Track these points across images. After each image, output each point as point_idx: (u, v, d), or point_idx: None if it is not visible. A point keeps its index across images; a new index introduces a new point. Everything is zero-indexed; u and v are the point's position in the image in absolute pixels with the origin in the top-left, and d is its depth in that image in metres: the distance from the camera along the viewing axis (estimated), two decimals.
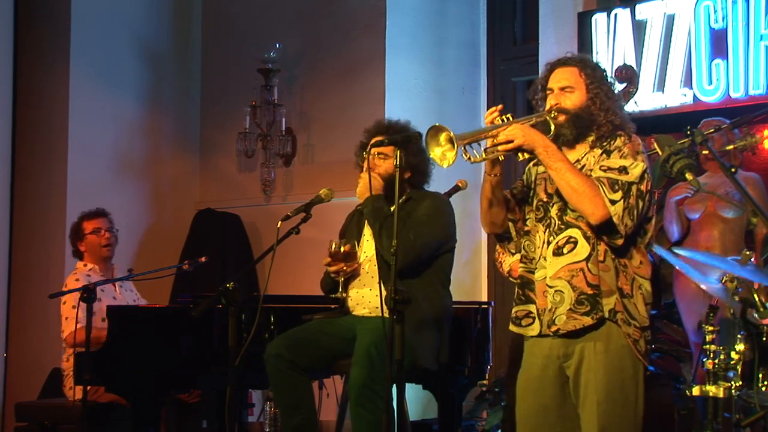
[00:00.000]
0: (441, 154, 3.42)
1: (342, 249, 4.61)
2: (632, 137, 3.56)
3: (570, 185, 3.42)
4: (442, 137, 3.41)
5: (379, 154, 4.68)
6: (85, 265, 5.80)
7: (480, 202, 3.67)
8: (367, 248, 4.73)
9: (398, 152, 3.77)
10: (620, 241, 3.44)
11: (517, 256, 4.40)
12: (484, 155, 3.50)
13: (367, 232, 4.72)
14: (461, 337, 5.08)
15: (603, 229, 3.43)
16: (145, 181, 7.62)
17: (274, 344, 4.55)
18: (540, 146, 3.46)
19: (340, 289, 4.69)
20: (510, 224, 3.69)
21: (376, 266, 4.49)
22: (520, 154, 3.51)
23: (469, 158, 3.48)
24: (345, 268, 4.63)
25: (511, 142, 3.44)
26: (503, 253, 4.75)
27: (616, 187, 3.42)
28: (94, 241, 5.81)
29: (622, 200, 3.40)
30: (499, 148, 3.46)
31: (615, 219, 3.40)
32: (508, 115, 3.53)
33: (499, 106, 3.59)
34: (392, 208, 4.21)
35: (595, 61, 3.75)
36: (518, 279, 3.68)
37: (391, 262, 3.77)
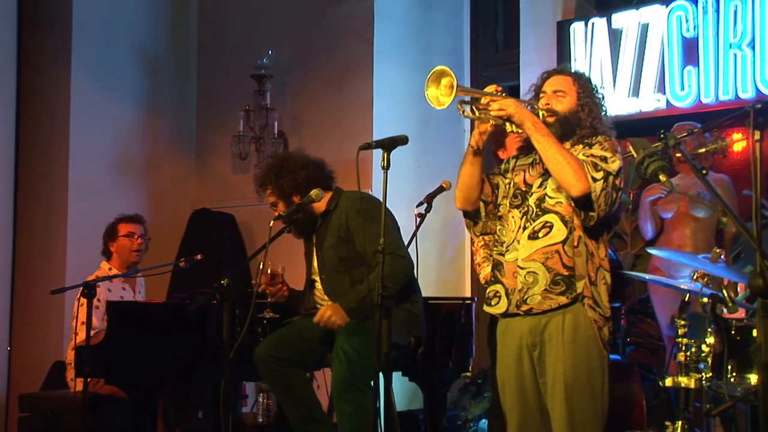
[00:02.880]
0: (435, 96, 3.46)
1: (269, 270, 4.59)
2: (612, 137, 3.59)
3: (555, 157, 3.44)
4: (444, 81, 3.44)
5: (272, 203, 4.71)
6: (110, 269, 5.76)
7: (458, 176, 3.68)
8: (315, 268, 4.71)
9: (386, 155, 3.76)
10: (593, 221, 3.46)
11: None
12: (477, 113, 3.52)
13: (314, 252, 4.69)
14: (447, 332, 5.09)
15: (581, 203, 3.45)
16: (143, 181, 7.60)
17: (262, 346, 4.54)
18: (529, 121, 3.49)
19: (267, 309, 4.66)
20: (481, 204, 3.69)
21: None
22: (508, 125, 3.53)
23: (463, 112, 3.53)
24: (269, 289, 4.62)
25: (504, 110, 3.47)
26: (483, 262, 4.73)
27: (598, 168, 3.45)
28: (126, 244, 5.78)
29: (602, 180, 3.43)
30: (492, 113, 3.49)
31: (593, 195, 3.42)
32: (504, 93, 3.57)
33: (500, 87, 3.61)
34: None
35: (588, 76, 3.81)
36: (492, 261, 3.68)
37: (377, 262, 3.77)
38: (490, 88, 3.58)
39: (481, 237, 4.62)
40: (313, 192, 4.48)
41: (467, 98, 3.55)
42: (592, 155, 3.49)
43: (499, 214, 3.68)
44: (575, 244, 3.49)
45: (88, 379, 4.92)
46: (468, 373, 5.87)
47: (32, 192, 7.17)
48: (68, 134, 7.08)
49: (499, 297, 3.59)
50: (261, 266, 4.58)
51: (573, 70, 3.78)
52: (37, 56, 7.23)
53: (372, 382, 4.18)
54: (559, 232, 3.49)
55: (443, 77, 3.44)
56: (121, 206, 6.31)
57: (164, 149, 7.79)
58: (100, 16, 7.29)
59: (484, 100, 3.52)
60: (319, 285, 4.66)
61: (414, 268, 4.50)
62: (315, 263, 4.67)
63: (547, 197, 3.54)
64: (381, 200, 4.54)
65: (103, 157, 7.31)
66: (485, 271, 4.68)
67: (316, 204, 4.59)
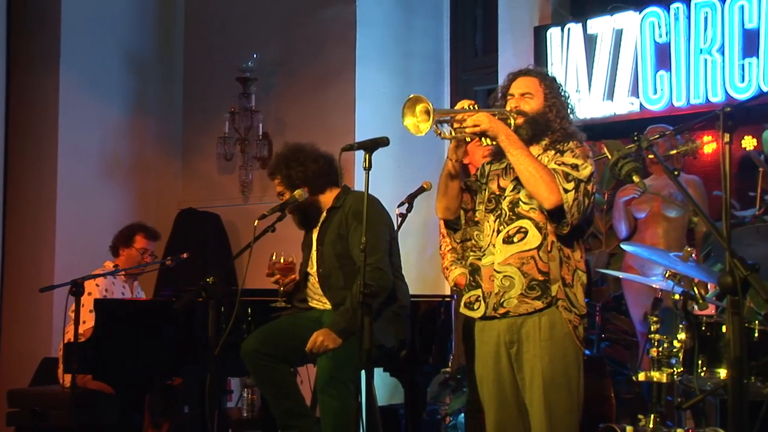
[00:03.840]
0: (414, 124, 3.44)
1: (282, 260, 4.59)
2: (583, 143, 3.60)
3: (528, 170, 3.44)
4: (419, 108, 3.43)
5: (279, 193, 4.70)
6: (116, 266, 5.76)
7: (438, 187, 3.69)
8: (314, 261, 4.68)
9: (367, 156, 3.78)
10: (566, 230, 3.47)
11: (462, 269, 4.45)
12: (453, 133, 3.53)
13: (315, 245, 4.69)
14: (427, 328, 5.09)
15: (553, 215, 3.46)
16: (130, 181, 7.58)
17: (249, 341, 4.51)
18: (503, 134, 3.49)
19: (280, 298, 4.66)
20: (462, 212, 3.70)
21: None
22: (484, 139, 3.54)
23: (440, 134, 3.52)
24: (282, 279, 4.62)
25: (478, 126, 3.48)
26: (451, 265, 4.74)
27: (570, 179, 3.45)
28: (136, 257, 5.82)
29: (573, 191, 3.44)
30: (467, 130, 3.49)
31: (566, 206, 3.43)
32: (476, 105, 3.57)
33: (471, 101, 3.62)
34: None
35: (552, 74, 3.80)
36: (469, 266, 3.69)
37: (359, 262, 3.78)
38: (463, 104, 3.59)
39: (449, 241, 4.64)
40: (297, 192, 4.48)
41: (444, 118, 3.55)
42: (564, 163, 3.49)
43: (476, 219, 3.69)
44: (549, 249, 3.50)
45: (77, 375, 4.92)
46: (447, 369, 5.87)
47: (21, 191, 7.14)
48: (57, 135, 7.06)
49: (480, 302, 3.60)
50: (273, 256, 4.58)
51: (538, 71, 3.75)
52: (26, 58, 7.20)
53: (355, 379, 4.18)
54: (534, 238, 3.50)
55: (417, 104, 3.43)
56: (109, 206, 6.30)
57: (151, 150, 7.77)
58: (88, 19, 7.27)
59: (458, 118, 3.52)
60: (312, 279, 4.66)
61: (392, 284, 4.49)
62: (313, 256, 4.67)
63: (521, 202, 3.54)
64: (381, 205, 4.60)
65: (91, 157, 7.29)
66: (453, 274, 4.69)
67: (323, 198, 4.61)
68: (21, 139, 7.15)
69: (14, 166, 7.13)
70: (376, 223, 4.47)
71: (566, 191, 3.43)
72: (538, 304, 3.48)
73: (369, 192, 3.69)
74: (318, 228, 4.65)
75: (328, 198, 4.62)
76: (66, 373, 5.28)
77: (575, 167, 3.48)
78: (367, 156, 3.77)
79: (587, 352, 4.30)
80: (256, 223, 4.20)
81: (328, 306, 4.59)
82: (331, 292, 4.55)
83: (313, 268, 4.66)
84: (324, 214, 4.63)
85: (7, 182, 7.08)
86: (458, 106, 3.59)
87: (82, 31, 7.22)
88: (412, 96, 3.46)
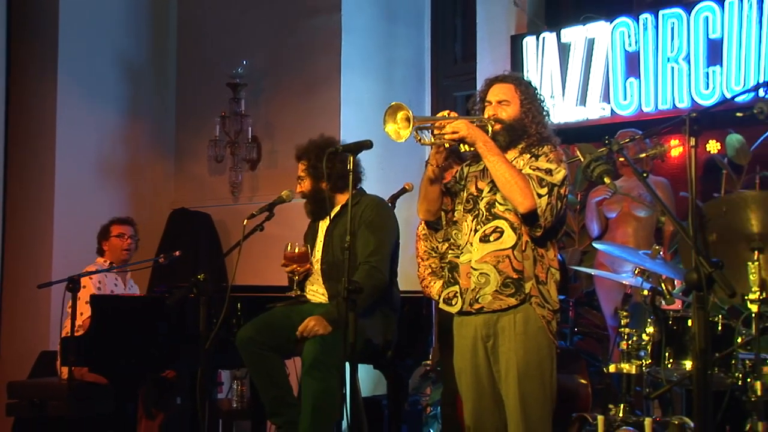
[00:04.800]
0: (395, 131, 3.43)
1: (296, 251, 4.59)
2: (557, 147, 3.60)
3: (504, 176, 3.45)
4: (400, 116, 3.42)
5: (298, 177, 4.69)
6: (105, 261, 5.76)
7: (419, 190, 3.69)
8: (317, 251, 4.70)
9: (351, 158, 3.77)
10: (539, 232, 3.48)
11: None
12: (433, 139, 3.53)
13: (320, 236, 4.70)
14: (409, 323, 5.09)
15: (528, 219, 3.47)
16: (125, 182, 7.55)
17: (245, 329, 4.51)
18: (480, 140, 3.49)
19: (295, 287, 4.67)
20: (442, 214, 3.70)
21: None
22: (462, 146, 3.55)
23: (420, 140, 3.52)
24: (298, 268, 4.61)
25: (457, 133, 3.47)
26: (429, 277, 4.71)
27: (543, 184, 3.46)
28: (117, 244, 5.80)
29: (547, 196, 3.44)
30: (446, 136, 3.49)
31: (539, 211, 3.44)
32: (454, 114, 3.58)
33: (451, 112, 3.62)
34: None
35: (528, 79, 3.80)
36: (447, 264, 3.69)
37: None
38: (443, 113, 3.59)
39: (429, 243, 4.63)
40: (284, 192, 4.48)
41: (424, 126, 3.55)
42: (538, 168, 3.49)
43: (454, 219, 3.69)
44: (524, 248, 3.50)
45: (74, 368, 4.89)
46: (428, 362, 5.88)
47: (20, 192, 7.11)
48: (54, 138, 7.03)
49: (457, 297, 3.61)
50: (288, 247, 4.56)
51: (515, 77, 3.74)
52: (26, 65, 7.17)
53: (340, 366, 4.16)
54: (509, 238, 3.51)
55: (398, 111, 3.43)
56: (105, 206, 6.29)
57: (145, 153, 7.75)
58: (85, 28, 7.24)
59: (438, 125, 3.52)
60: (313, 269, 4.65)
61: (386, 285, 4.49)
62: (318, 247, 4.67)
63: (497, 203, 3.55)
64: (392, 212, 4.59)
65: (88, 159, 7.26)
66: (435, 288, 4.64)
67: (339, 197, 4.62)
68: (20, 142, 7.12)
69: (14, 167, 7.10)
70: (383, 228, 4.53)
71: (540, 196, 3.44)
72: (512, 301, 3.48)
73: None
74: (329, 220, 4.63)
75: (344, 197, 4.59)
76: (63, 365, 5.25)
77: (549, 172, 3.48)
78: (352, 158, 3.77)
79: (561, 344, 4.31)
80: (245, 223, 4.19)
81: (324, 299, 4.60)
82: (330, 284, 4.55)
83: (316, 258, 4.65)
84: (337, 208, 4.61)
85: (6, 183, 7.06)
86: (438, 114, 3.60)
87: (79, 39, 7.19)
88: (393, 104, 3.45)
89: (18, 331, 6.93)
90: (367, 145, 3.82)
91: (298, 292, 4.68)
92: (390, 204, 4.98)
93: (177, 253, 5.52)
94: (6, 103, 7.05)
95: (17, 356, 6.77)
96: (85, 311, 5.35)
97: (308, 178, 4.66)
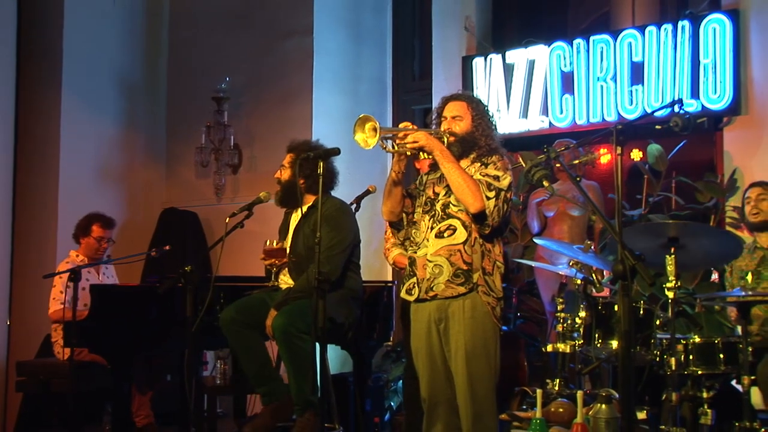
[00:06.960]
0: (363, 139, 3.45)
1: (275, 245, 4.56)
2: (504, 157, 3.62)
3: (458, 180, 3.47)
4: (368, 126, 3.44)
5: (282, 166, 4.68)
6: (77, 256, 5.67)
7: (383, 193, 3.69)
8: (287, 244, 4.67)
9: (321, 163, 3.76)
10: (488, 230, 3.50)
11: (400, 250, 4.45)
12: (396, 148, 3.54)
13: (291, 231, 4.67)
14: (372, 309, 5.08)
15: (477, 218, 3.49)
16: (121, 185, 7.48)
17: (227, 311, 4.49)
18: (437, 149, 3.52)
19: (273, 278, 4.65)
20: (404, 215, 3.72)
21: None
22: (422, 153, 3.57)
23: (385, 148, 3.54)
24: (276, 261, 4.59)
25: (417, 142, 3.49)
26: (391, 247, 4.73)
27: (492, 188, 3.48)
28: (94, 245, 5.69)
29: (494, 199, 3.47)
30: (408, 145, 3.51)
31: (488, 212, 3.46)
32: (415, 126, 3.58)
33: (411, 124, 3.62)
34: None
35: (478, 97, 3.81)
36: (408, 260, 3.69)
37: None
38: (405, 125, 3.60)
39: (393, 234, 4.64)
40: (262, 194, 4.46)
41: (388, 135, 3.56)
42: (487, 175, 3.51)
43: (414, 220, 3.70)
44: (473, 244, 3.53)
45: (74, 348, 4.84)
46: (389, 342, 5.88)
47: (29, 194, 7.05)
48: (59, 146, 6.97)
49: (415, 288, 3.61)
50: (266, 243, 4.55)
51: (467, 95, 3.77)
52: (33, 81, 7.11)
53: (308, 331, 4.10)
54: (461, 234, 3.52)
55: (367, 122, 3.44)
56: (102, 205, 6.22)
57: (139, 158, 7.68)
58: (86, 49, 7.19)
59: (401, 135, 3.52)
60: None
61: (337, 273, 4.44)
62: (288, 241, 4.64)
63: (451, 204, 3.56)
64: (352, 212, 4.57)
65: (88, 165, 7.20)
66: (392, 254, 4.68)
67: (308, 196, 4.57)
68: (29, 149, 7.05)
69: (23, 172, 7.04)
70: (342, 227, 4.48)
71: (488, 198, 3.47)
72: (462, 290, 3.50)
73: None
74: (297, 221, 4.61)
75: (312, 198, 4.58)
76: (65, 347, 5.18)
77: (497, 178, 3.50)
78: (321, 163, 3.76)
79: (504, 328, 4.32)
80: (227, 220, 4.17)
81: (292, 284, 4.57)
82: (295, 275, 4.54)
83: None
84: (305, 208, 4.59)
85: (16, 186, 7.00)
86: (401, 126, 3.60)
87: (81, 59, 7.14)
88: (362, 115, 3.46)
89: (26, 316, 6.86)
90: (335, 152, 3.83)
91: (275, 283, 4.66)
92: (356, 204, 4.97)
93: (167, 247, 5.47)
94: (16, 115, 6.99)
95: (25, 338, 6.71)
96: (57, 297, 5.37)
97: (289, 169, 4.63)
